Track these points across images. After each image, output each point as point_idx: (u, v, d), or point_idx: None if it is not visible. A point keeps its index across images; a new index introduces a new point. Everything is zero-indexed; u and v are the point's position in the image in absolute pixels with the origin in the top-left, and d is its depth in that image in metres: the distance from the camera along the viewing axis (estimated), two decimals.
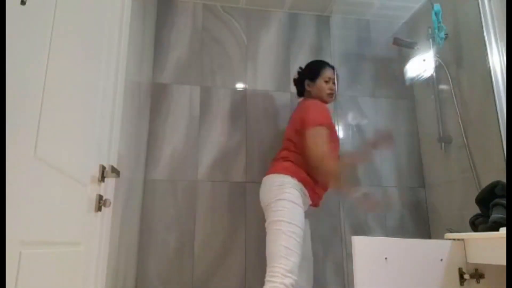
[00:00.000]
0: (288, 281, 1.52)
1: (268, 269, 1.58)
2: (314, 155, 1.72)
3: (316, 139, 1.73)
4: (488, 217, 1.37)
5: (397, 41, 2.31)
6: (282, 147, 1.91)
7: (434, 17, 2.04)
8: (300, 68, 2.06)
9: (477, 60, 1.90)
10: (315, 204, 1.85)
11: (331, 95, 1.92)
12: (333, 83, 1.94)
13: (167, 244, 2.09)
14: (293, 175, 1.75)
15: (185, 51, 2.37)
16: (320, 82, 1.92)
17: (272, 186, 1.75)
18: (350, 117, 2.43)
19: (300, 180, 1.75)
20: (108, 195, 1.38)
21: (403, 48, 2.38)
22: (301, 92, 2.05)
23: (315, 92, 1.93)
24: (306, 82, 1.96)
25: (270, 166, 1.88)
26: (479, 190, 1.88)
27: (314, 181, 1.78)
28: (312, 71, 1.97)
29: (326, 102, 1.92)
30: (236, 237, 2.16)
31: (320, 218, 2.23)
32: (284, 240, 1.59)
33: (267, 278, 1.56)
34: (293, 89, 2.43)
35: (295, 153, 1.82)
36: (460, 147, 2.05)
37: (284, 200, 1.69)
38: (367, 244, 1.36)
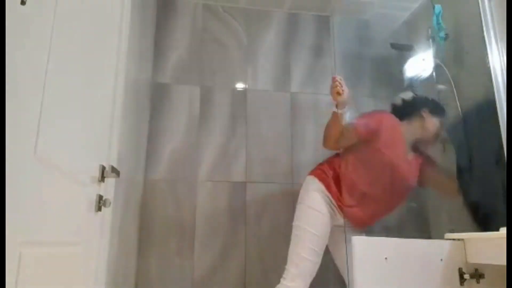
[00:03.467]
0: (294, 285, 1.60)
1: (285, 269, 1.66)
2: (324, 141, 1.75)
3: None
4: None
5: (394, 46, 2.35)
6: None
7: (435, 19, 2.04)
8: (416, 94, 1.93)
9: (477, 60, 1.89)
10: (354, 223, 1.72)
11: (436, 136, 1.79)
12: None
13: (167, 244, 2.08)
14: (320, 179, 1.76)
15: (185, 51, 2.37)
16: (437, 120, 1.79)
17: (303, 187, 1.81)
18: (350, 117, 2.43)
19: (326, 187, 1.73)
20: (108, 195, 1.38)
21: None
22: (404, 114, 1.82)
23: (427, 123, 1.77)
24: (425, 110, 1.79)
25: None
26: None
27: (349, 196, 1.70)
28: (437, 107, 1.84)
29: (428, 141, 1.80)
30: (236, 237, 2.16)
31: None
32: (299, 246, 1.66)
33: (282, 276, 1.66)
34: (293, 89, 2.44)
35: (341, 160, 1.77)
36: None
37: (303, 204, 1.74)
38: (367, 244, 1.36)
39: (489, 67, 1.72)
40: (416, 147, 1.82)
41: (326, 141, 1.78)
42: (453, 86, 2.10)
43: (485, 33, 1.75)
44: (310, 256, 1.64)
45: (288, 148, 2.33)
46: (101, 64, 1.36)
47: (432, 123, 1.77)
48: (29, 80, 0.84)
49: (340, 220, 1.75)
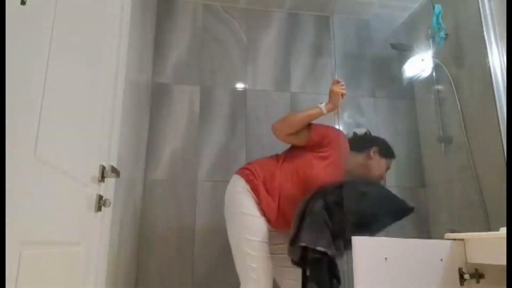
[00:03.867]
0: None
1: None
2: (274, 127, 1.68)
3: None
4: None
5: (394, 46, 2.35)
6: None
7: (435, 19, 2.04)
8: (369, 131, 1.83)
9: (477, 60, 1.90)
10: (273, 225, 1.62)
11: (379, 178, 1.72)
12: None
13: (167, 244, 2.08)
14: (247, 181, 1.63)
15: (185, 51, 2.37)
16: (383, 162, 1.72)
17: (228, 188, 1.68)
18: (350, 117, 2.43)
19: (253, 190, 1.61)
20: (108, 195, 1.38)
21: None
22: (354, 146, 1.73)
23: (373, 164, 1.70)
24: (374, 149, 1.71)
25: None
26: (480, 190, 1.89)
27: (272, 201, 1.61)
28: (387, 149, 1.75)
29: (368, 179, 1.70)
30: None
31: None
32: (249, 260, 1.53)
33: None
34: (293, 89, 2.45)
35: (274, 161, 1.71)
36: (460, 147, 2.05)
37: (234, 209, 1.63)
38: (367, 244, 1.36)
39: (489, 67, 1.72)
40: None
41: (285, 129, 1.68)
42: (453, 86, 2.10)
43: (485, 33, 1.76)
44: (263, 265, 1.53)
45: (288, 148, 2.32)
46: (101, 64, 1.36)
47: (378, 163, 1.71)
48: (29, 80, 0.84)
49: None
